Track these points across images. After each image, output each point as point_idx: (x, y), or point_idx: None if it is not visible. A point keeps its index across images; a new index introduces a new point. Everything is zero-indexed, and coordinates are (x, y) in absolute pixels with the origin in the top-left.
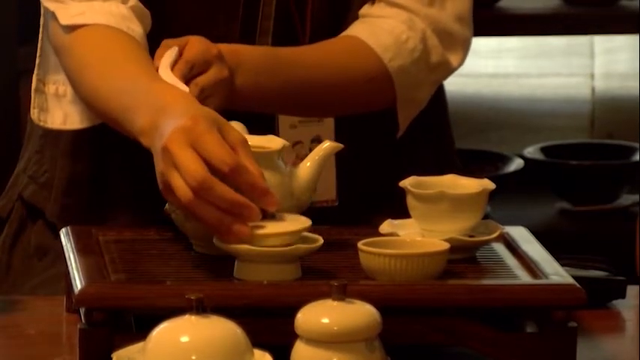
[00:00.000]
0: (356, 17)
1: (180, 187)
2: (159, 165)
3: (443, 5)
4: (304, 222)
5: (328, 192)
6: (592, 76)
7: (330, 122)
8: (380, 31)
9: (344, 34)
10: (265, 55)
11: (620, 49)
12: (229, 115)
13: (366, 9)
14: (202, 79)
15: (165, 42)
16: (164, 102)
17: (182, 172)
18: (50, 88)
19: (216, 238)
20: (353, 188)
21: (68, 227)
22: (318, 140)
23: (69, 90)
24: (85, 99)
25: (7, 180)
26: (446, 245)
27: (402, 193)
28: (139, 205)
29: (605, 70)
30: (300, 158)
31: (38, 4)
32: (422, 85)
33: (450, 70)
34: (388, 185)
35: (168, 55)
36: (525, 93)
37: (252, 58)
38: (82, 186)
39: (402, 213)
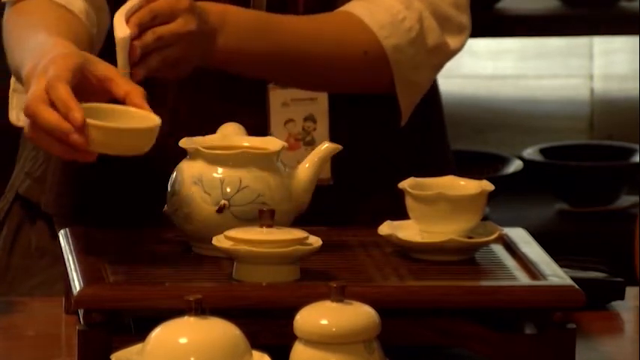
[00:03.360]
0: None
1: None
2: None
3: None
4: (299, 233)
5: (323, 171)
6: (591, 77)
7: (323, 101)
8: (377, 9)
9: (340, 9)
10: (255, 19)
11: (620, 51)
12: (223, 98)
13: None
14: (162, 29)
15: None
16: (45, 52)
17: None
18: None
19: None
20: (348, 168)
21: (67, 229)
22: (311, 119)
23: None
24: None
25: (5, 181)
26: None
27: (396, 174)
28: (133, 200)
29: (604, 72)
30: (293, 136)
31: None
32: (420, 68)
33: (448, 53)
34: (383, 165)
35: (131, 1)
36: (524, 94)
37: (239, 21)
38: (75, 179)
39: (396, 194)
